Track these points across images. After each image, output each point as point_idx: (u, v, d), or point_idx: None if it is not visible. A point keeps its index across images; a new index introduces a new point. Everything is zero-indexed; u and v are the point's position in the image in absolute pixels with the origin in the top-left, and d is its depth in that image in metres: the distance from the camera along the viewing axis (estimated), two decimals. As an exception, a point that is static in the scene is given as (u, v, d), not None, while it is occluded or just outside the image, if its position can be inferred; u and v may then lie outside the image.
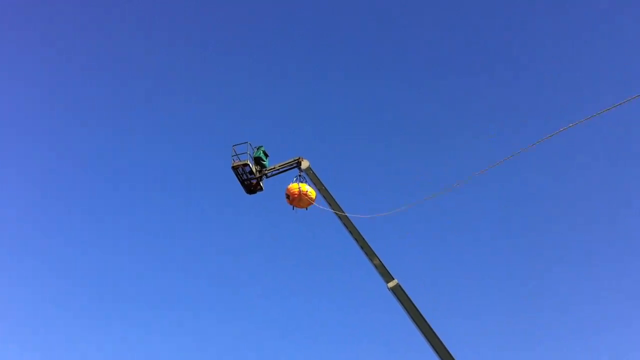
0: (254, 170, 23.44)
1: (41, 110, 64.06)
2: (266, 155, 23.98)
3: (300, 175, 22.65)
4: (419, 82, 67.26)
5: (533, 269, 52.72)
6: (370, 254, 19.41)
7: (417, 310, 17.65)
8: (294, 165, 23.09)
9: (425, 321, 17.35)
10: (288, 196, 22.22)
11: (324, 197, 21.48)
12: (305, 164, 22.69)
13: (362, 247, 19.70)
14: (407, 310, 17.82)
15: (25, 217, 59.00)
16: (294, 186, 22.16)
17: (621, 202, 51.82)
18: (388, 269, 18.85)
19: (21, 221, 58.27)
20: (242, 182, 23.73)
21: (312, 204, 22.11)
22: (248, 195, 24.02)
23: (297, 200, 22.07)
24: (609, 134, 53.35)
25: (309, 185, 22.19)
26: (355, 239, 19.93)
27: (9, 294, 52.34)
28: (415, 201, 20.77)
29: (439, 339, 16.92)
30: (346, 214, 20.43)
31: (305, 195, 21.89)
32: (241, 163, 23.14)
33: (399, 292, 18.21)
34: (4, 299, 51.18)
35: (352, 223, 20.29)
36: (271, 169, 23.71)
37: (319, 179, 22.03)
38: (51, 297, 53.91)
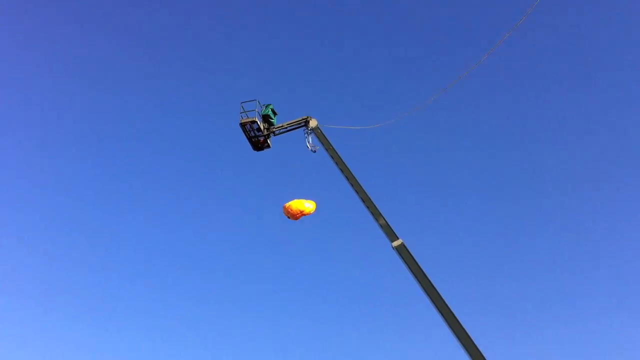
0: (261, 127, 23.45)
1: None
2: (274, 113, 23.96)
3: (308, 134, 22.66)
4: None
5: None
6: (375, 213, 19.40)
7: (421, 270, 17.69)
8: (302, 123, 23.03)
9: (429, 281, 17.38)
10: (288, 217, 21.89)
11: (331, 156, 21.32)
12: (313, 123, 22.61)
13: (368, 207, 19.66)
14: (411, 269, 17.82)
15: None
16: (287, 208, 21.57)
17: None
18: (393, 229, 19.00)
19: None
20: (249, 139, 23.77)
21: (313, 212, 21.79)
22: (255, 152, 24.14)
23: (297, 217, 21.79)
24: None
25: (316, 142, 22.16)
26: (362, 199, 19.89)
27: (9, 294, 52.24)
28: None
29: (442, 299, 16.91)
30: (355, 176, 20.51)
31: (302, 214, 21.61)
32: (249, 120, 23.15)
33: (403, 252, 18.28)
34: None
35: (358, 182, 20.24)
36: (279, 127, 23.69)
37: (326, 138, 21.92)
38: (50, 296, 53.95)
